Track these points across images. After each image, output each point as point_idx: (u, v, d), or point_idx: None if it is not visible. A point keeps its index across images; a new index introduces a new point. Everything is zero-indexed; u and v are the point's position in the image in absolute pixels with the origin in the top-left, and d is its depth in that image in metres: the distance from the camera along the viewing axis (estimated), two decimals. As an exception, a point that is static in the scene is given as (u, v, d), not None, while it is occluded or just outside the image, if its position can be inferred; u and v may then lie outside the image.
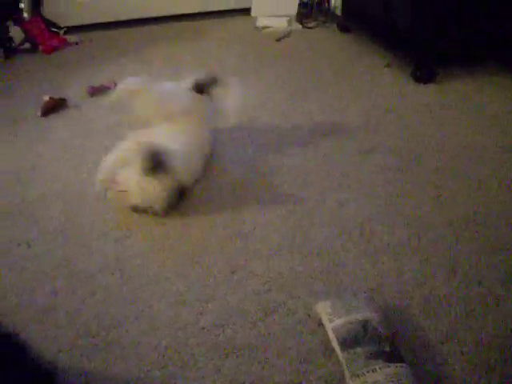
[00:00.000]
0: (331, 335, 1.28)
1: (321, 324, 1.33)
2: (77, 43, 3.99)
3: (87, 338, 1.35)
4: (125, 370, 1.26)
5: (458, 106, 2.51)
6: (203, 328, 1.35)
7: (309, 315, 1.37)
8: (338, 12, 3.61)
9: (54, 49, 3.86)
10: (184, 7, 4.29)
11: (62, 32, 4.14)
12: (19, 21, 4.11)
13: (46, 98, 2.78)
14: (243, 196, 1.93)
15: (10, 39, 3.91)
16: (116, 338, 1.34)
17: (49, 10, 4.30)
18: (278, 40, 3.58)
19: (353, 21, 3.48)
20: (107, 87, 2.92)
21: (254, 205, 1.87)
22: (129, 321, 1.39)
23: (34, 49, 3.91)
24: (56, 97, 2.81)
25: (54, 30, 4.13)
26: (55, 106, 2.77)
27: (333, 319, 1.31)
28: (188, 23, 4.19)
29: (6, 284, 1.57)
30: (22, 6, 4.27)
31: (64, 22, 4.23)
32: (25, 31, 3.95)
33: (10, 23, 3.99)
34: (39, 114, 2.72)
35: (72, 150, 2.35)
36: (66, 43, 3.95)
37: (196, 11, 4.30)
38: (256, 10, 3.97)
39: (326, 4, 3.87)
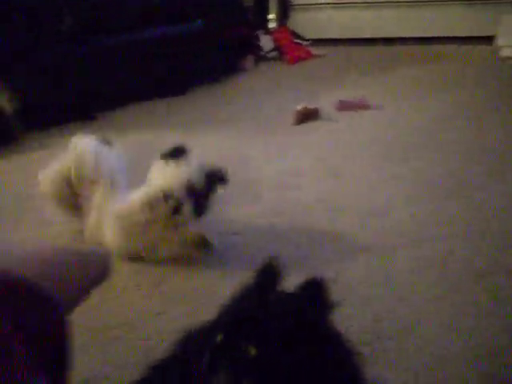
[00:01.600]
0: None
1: None
2: (321, 56, 4.20)
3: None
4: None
5: None
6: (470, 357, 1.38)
7: None
8: None
9: (300, 59, 4.10)
10: (427, 30, 4.33)
11: (306, 44, 4.39)
12: (269, 30, 4.45)
13: (299, 108, 2.93)
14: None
15: (260, 47, 4.24)
16: (384, 349, 1.41)
17: (294, 22, 4.60)
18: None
19: None
20: (357, 106, 3.03)
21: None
22: (398, 335, 1.46)
23: (280, 58, 4.21)
24: (309, 106, 2.95)
25: (297, 41, 4.40)
26: (308, 116, 2.91)
27: None
28: (428, 46, 4.22)
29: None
30: (271, 16, 4.62)
31: (308, 35, 4.49)
32: (274, 40, 4.26)
33: (260, 32, 4.34)
34: (293, 122, 2.89)
35: (322, 161, 2.48)
36: (310, 55, 4.18)
37: (438, 35, 4.31)
38: (502, 39, 3.85)
39: None
